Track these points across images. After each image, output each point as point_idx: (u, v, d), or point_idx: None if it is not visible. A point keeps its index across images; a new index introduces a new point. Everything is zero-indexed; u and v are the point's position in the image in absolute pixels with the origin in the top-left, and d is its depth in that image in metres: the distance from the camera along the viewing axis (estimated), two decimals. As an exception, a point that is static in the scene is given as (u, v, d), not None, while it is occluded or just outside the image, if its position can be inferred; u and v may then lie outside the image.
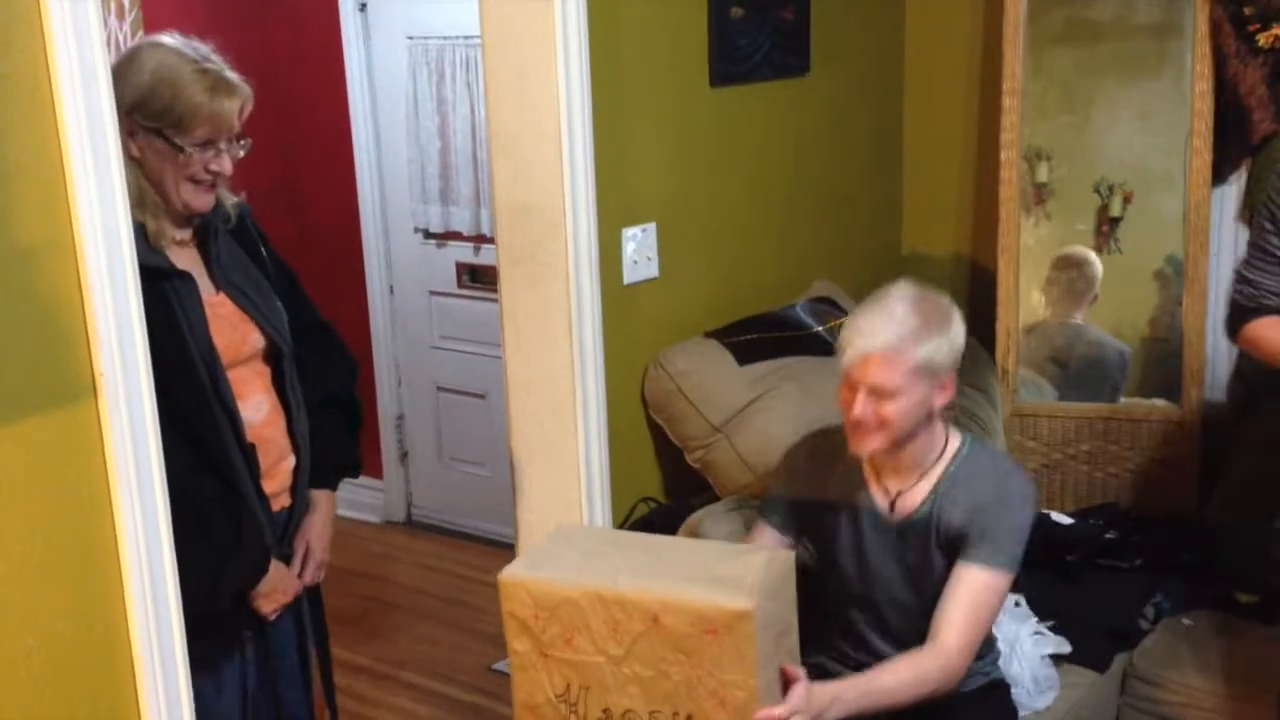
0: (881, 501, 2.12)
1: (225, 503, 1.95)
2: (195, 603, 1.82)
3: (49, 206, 1.61)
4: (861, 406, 1.97)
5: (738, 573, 1.69)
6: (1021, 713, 2.27)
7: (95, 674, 1.74)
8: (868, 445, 2.01)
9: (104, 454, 1.69)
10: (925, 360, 1.95)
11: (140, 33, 3.68)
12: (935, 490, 2.08)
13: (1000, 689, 2.21)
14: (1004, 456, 2.14)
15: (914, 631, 2.12)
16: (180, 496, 1.78)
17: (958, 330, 2.01)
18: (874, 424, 1.98)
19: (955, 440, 2.12)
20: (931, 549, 2.08)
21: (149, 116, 1.88)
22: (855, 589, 2.15)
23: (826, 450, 2.19)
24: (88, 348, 1.66)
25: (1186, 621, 2.71)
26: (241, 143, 1.97)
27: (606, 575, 1.67)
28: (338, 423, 2.25)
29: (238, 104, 1.93)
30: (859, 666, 2.14)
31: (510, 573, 1.68)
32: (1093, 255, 3.17)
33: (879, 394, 1.96)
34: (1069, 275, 3.20)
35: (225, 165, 1.95)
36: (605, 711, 1.67)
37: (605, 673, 1.65)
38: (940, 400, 2.02)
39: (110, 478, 1.70)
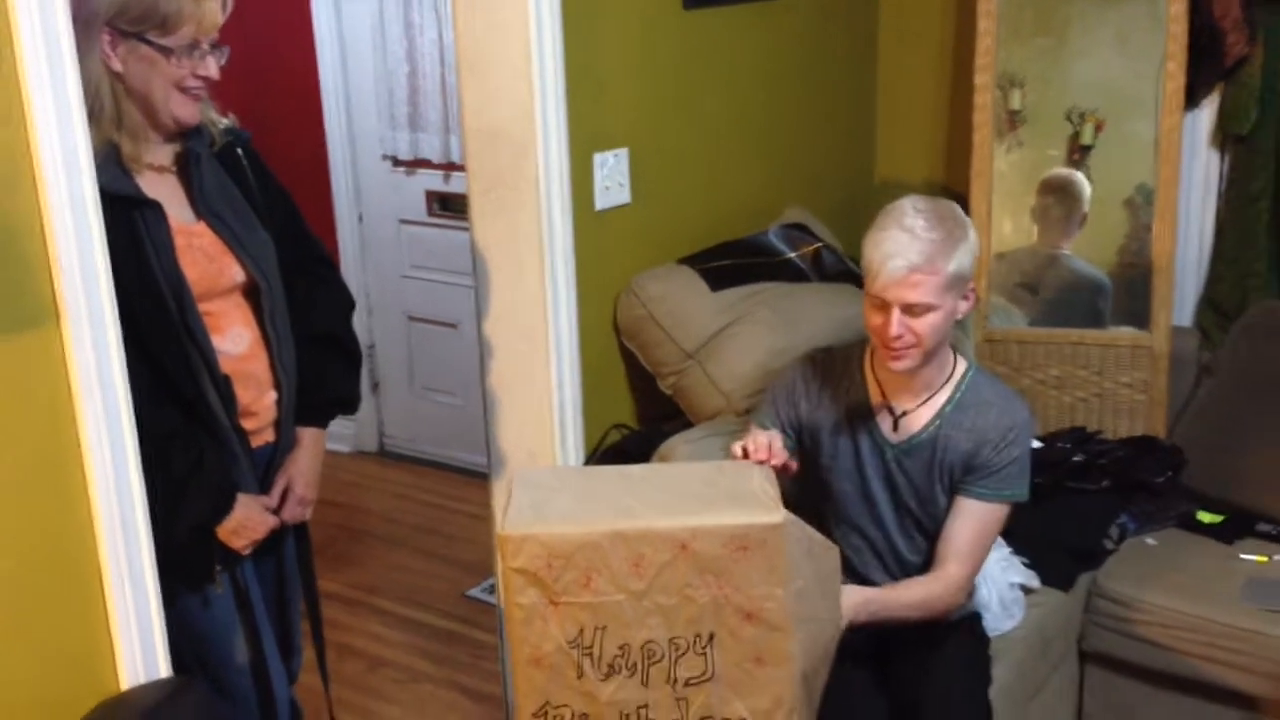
0: (884, 421, 2.12)
1: (185, 436, 1.93)
2: (154, 536, 1.81)
3: (5, 131, 1.58)
4: (897, 325, 1.97)
5: (748, 488, 1.72)
6: (989, 635, 2.30)
7: (66, 598, 1.74)
8: (905, 363, 2.01)
9: (68, 378, 1.68)
10: (955, 272, 1.96)
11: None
12: (940, 413, 2.09)
13: (974, 619, 2.25)
14: (1004, 385, 2.15)
15: (909, 556, 2.16)
16: (139, 429, 1.76)
17: (973, 234, 2.01)
18: (909, 341, 1.98)
19: (961, 364, 2.13)
20: (933, 471, 2.10)
21: (131, 22, 1.84)
22: (853, 511, 2.16)
23: (829, 368, 2.19)
24: (49, 273, 1.64)
25: (1150, 541, 2.76)
26: (222, 49, 1.93)
27: (621, 512, 1.67)
28: (331, 359, 2.21)
29: (218, 2, 1.90)
30: None
31: (514, 528, 1.64)
32: (1076, 178, 3.13)
33: (912, 311, 1.96)
34: (1046, 202, 3.19)
35: (211, 68, 1.91)
36: (622, 648, 1.68)
37: (625, 609, 1.66)
38: (964, 309, 2.02)
39: (75, 402, 1.69)
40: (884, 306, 1.98)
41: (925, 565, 2.15)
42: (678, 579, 1.65)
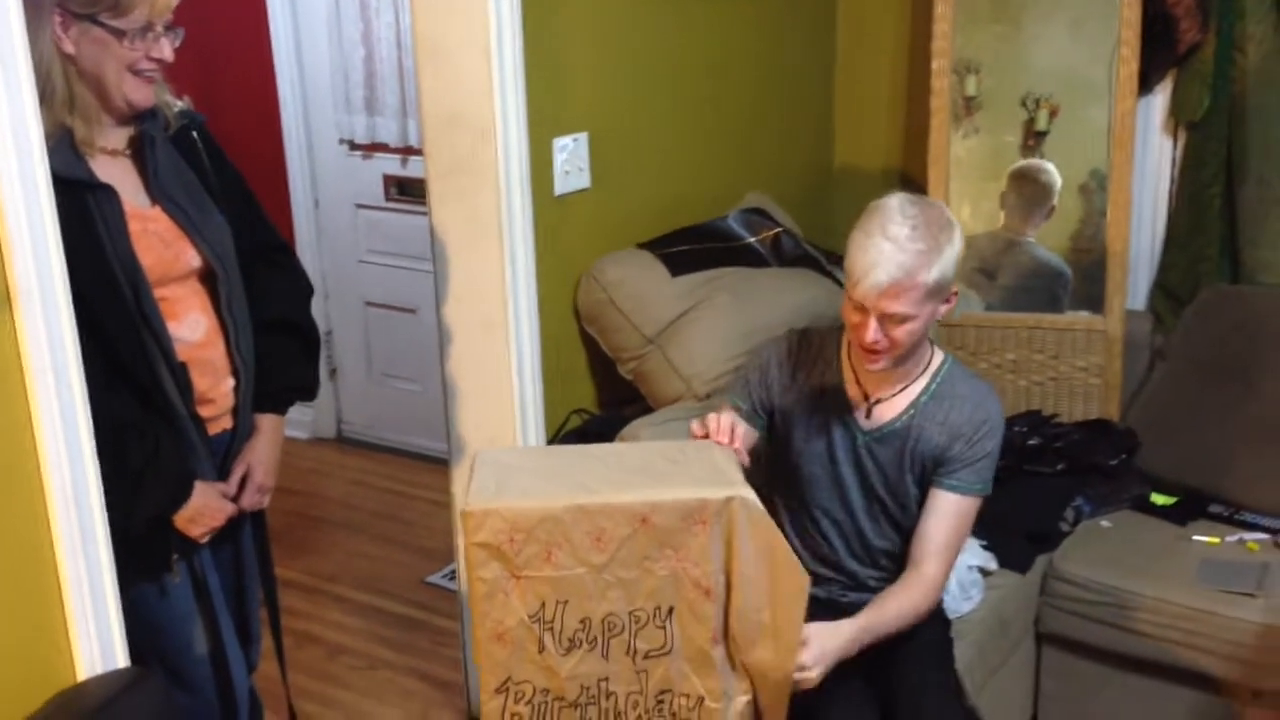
0: (858, 408, 2.13)
1: (141, 426, 1.90)
2: (111, 526, 1.79)
3: (-46, 110, 1.55)
4: (875, 333, 1.96)
5: (709, 466, 1.74)
6: (948, 616, 2.32)
7: (20, 588, 1.72)
8: (880, 364, 2.02)
9: (21, 365, 1.65)
10: (936, 282, 1.95)
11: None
12: (915, 404, 2.10)
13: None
14: (978, 378, 2.16)
15: (876, 541, 2.17)
16: (94, 417, 1.74)
17: (958, 238, 1.99)
18: (885, 346, 1.98)
19: (938, 356, 2.14)
20: (904, 461, 2.10)
21: (83, 4, 1.81)
22: (822, 495, 2.17)
23: (805, 350, 2.19)
24: (1, 259, 1.61)
25: (1105, 524, 2.80)
26: (176, 31, 1.90)
27: (582, 487, 1.69)
28: (289, 345, 2.19)
29: None
30: (820, 581, 2.17)
31: (477, 502, 1.66)
32: (1047, 168, 3.15)
33: (891, 319, 1.96)
34: (1012, 188, 3.20)
35: (166, 50, 1.88)
36: (583, 621, 1.69)
37: (586, 582, 1.68)
38: (943, 311, 2.03)
39: (29, 389, 1.66)
40: (862, 309, 1.97)
41: (893, 552, 2.17)
42: (638, 552, 1.67)
